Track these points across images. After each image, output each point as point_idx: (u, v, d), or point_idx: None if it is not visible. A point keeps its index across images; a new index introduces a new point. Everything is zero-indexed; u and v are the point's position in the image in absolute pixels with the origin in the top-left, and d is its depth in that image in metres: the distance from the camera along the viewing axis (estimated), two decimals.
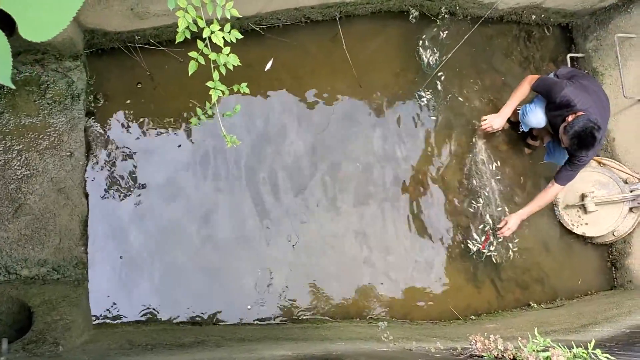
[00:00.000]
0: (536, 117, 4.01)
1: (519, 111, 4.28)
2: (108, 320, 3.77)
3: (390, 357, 2.61)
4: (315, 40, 4.42)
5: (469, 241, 4.37)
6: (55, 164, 3.65)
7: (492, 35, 4.80)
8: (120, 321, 3.78)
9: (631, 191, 4.32)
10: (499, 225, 4.18)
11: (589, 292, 4.64)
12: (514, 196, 4.57)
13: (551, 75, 4.03)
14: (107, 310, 3.78)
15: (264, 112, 4.27)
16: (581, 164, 3.77)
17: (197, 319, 3.89)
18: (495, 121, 4.20)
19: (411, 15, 4.49)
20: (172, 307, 3.89)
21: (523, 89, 3.99)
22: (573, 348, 2.41)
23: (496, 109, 4.61)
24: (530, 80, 3.94)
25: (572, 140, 3.53)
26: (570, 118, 3.58)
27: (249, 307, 4.01)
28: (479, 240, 4.35)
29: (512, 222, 4.09)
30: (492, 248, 4.34)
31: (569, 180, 3.89)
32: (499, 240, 4.34)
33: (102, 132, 3.97)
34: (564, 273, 4.63)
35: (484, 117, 4.30)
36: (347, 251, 4.25)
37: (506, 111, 4.14)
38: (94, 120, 3.96)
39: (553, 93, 3.70)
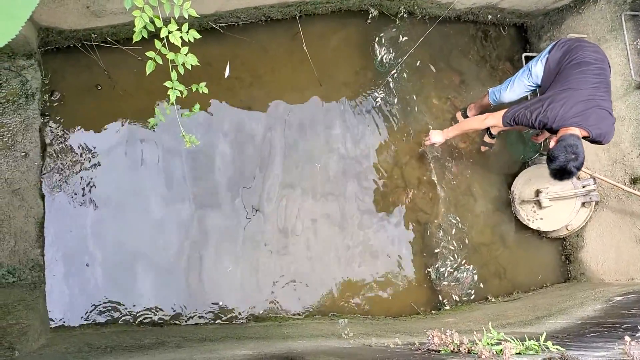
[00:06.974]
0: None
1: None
2: (66, 323, 3.71)
3: (349, 354, 2.64)
4: (275, 39, 4.42)
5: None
6: (10, 165, 3.56)
7: (449, 34, 4.88)
8: (78, 324, 3.72)
9: (583, 187, 4.45)
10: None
11: (544, 285, 4.79)
12: (469, 191, 4.67)
13: (547, 49, 3.79)
14: (65, 313, 3.72)
15: (224, 111, 4.25)
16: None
17: (159, 319, 3.86)
18: (436, 137, 4.27)
19: (370, 15, 4.52)
20: (132, 307, 3.85)
21: (474, 126, 4.06)
22: (526, 341, 2.49)
23: (454, 107, 4.70)
24: (485, 119, 3.90)
25: (553, 173, 3.49)
26: (552, 144, 3.49)
27: (220, 303, 4.00)
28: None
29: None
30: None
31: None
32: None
33: (59, 132, 3.90)
34: (521, 267, 4.75)
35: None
36: (312, 249, 4.27)
37: (449, 134, 4.24)
38: (50, 120, 3.88)
39: (526, 122, 3.62)
